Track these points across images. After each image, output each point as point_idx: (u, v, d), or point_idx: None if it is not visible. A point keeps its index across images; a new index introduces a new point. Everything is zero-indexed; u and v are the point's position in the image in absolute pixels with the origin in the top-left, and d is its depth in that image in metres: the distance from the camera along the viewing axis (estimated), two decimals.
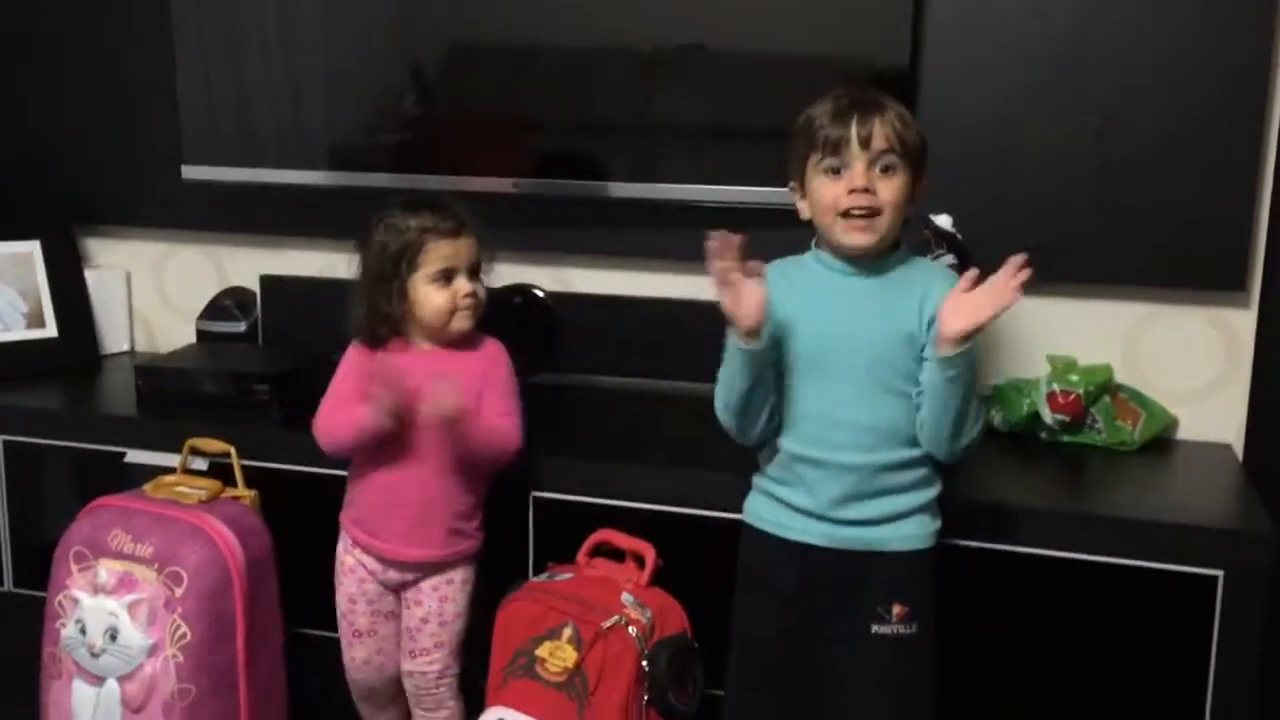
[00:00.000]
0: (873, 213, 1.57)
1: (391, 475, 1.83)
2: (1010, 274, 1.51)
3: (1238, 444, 2.06)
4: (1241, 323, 2.05)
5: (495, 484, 1.91)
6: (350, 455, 1.86)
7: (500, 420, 1.83)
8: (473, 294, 1.83)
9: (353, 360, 1.88)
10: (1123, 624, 1.73)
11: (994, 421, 2.07)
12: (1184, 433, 2.09)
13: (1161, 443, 2.05)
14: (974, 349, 1.54)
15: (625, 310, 2.28)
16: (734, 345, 1.59)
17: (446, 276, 1.81)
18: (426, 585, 1.86)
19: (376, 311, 1.83)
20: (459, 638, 1.89)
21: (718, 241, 1.53)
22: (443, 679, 1.89)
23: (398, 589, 1.89)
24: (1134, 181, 2.02)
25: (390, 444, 1.80)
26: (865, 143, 1.55)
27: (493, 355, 1.89)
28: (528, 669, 1.77)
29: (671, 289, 2.27)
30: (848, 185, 1.56)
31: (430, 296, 1.82)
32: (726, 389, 1.63)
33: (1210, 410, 2.07)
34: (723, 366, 1.64)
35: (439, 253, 1.81)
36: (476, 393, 1.82)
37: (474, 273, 1.84)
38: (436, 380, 1.73)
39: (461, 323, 1.84)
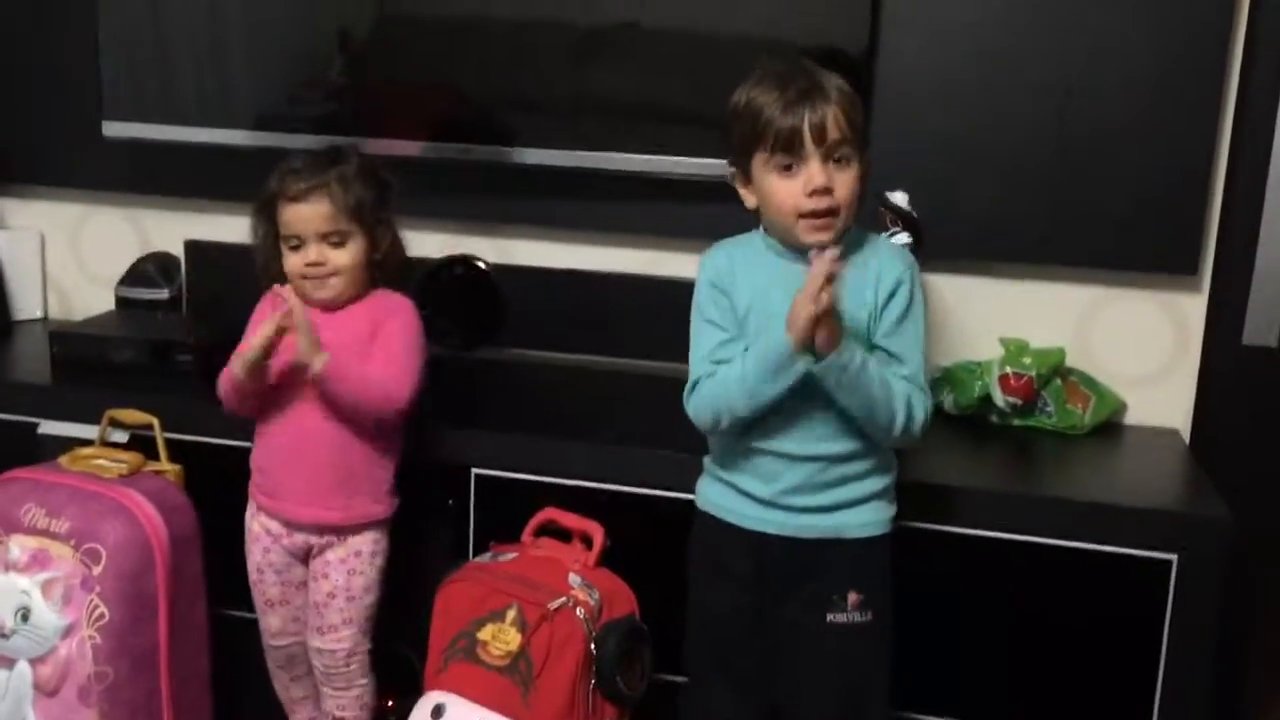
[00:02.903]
0: (831, 211, 1.51)
1: (290, 435, 1.78)
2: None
3: (1184, 429, 2.07)
4: (1192, 307, 2.05)
5: (435, 459, 1.84)
6: (243, 412, 1.80)
7: (379, 373, 1.74)
8: (316, 263, 1.75)
9: (258, 317, 1.83)
10: (1076, 607, 1.72)
11: (944, 404, 2.05)
12: (1132, 417, 2.09)
13: (1110, 427, 2.05)
14: (837, 364, 1.45)
15: (571, 284, 2.21)
16: (789, 363, 1.47)
17: (295, 243, 1.76)
18: (333, 557, 1.80)
19: (263, 263, 1.81)
20: (369, 613, 1.83)
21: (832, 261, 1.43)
22: (353, 657, 1.83)
23: (305, 558, 1.82)
24: (1089, 164, 2.00)
25: (286, 402, 1.76)
26: (819, 136, 1.48)
27: (387, 307, 1.81)
28: (469, 652, 1.70)
29: (619, 263, 2.22)
30: (805, 186, 1.49)
31: (285, 260, 1.78)
32: (748, 400, 1.51)
33: (1158, 395, 2.07)
34: (739, 378, 1.51)
35: (284, 217, 1.76)
36: (365, 345, 1.77)
37: (331, 240, 1.75)
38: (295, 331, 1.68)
39: (313, 293, 1.77)
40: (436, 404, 1.87)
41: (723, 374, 1.54)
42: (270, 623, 1.86)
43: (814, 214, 1.50)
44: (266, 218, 1.79)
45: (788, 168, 1.50)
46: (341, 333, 1.77)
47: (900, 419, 1.51)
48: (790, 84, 1.50)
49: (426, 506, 1.86)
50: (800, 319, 1.44)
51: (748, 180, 1.55)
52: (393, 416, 1.76)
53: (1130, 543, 1.68)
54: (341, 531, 1.79)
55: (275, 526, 1.81)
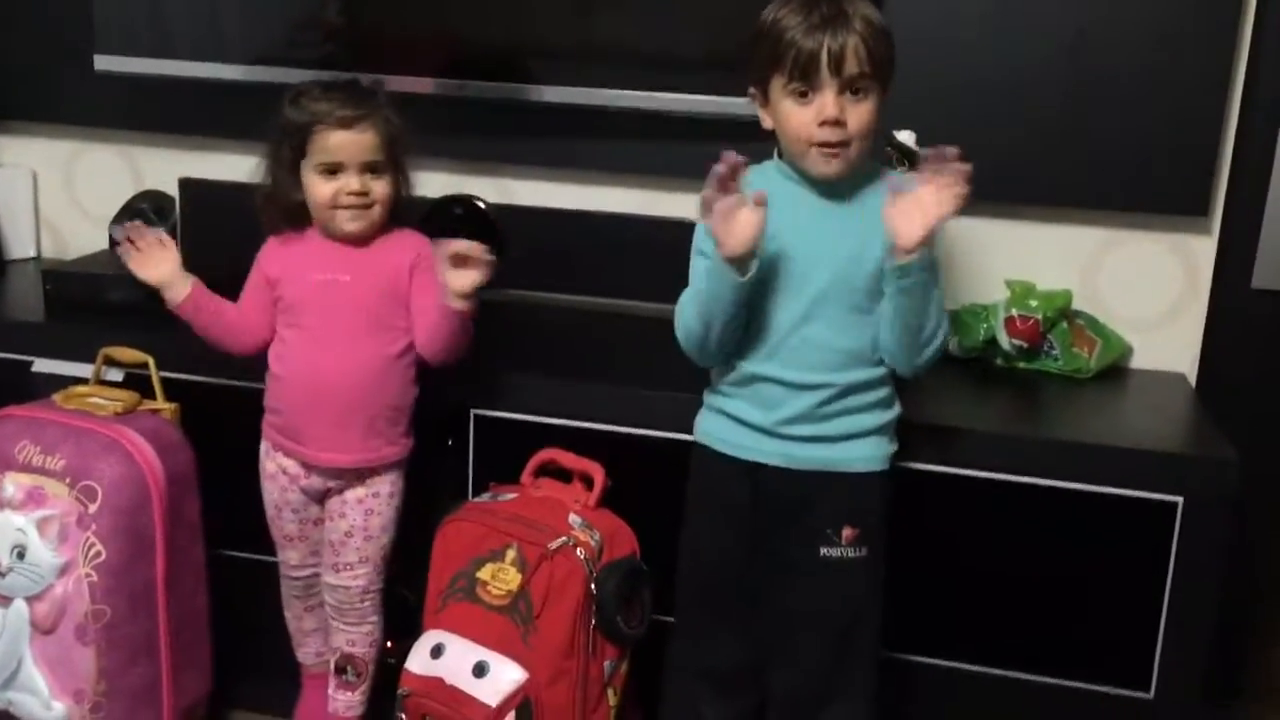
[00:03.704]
0: (843, 144, 1.49)
1: (309, 378, 1.75)
2: (955, 174, 1.45)
3: (1191, 374, 2.04)
4: (1201, 249, 2.02)
5: (434, 400, 1.82)
6: (232, 349, 1.80)
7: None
8: (360, 193, 1.72)
9: (263, 259, 1.81)
10: (1080, 550, 1.71)
11: (949, 346, 2.02)
12: (1138, 361, 2.07)
13: (1116, 371, 2.03)
14: (929, 255, 1.47)
15: (572, 224, 2.18)
16: (721, 275, 1.48)
17: (332, 169, 1.72)
18: (351, 496, 1.79)
19: (275, 193, 1.76)
20: (384, 552, 1.82)
21: (725, 166, 1.44)
22: (367, 594, 1.83)
23: (321, 497, 1.81)
24: (1099, 104, 1.97)
25: (303, 344, 1.75)
26: (837, 67, 1.46)
27: (417, 244, 1.79)
28: (468, 592, 1.69)
29: (621, 203, 2.18)
30: (818, 115, 1.47)
31: (314, 187, 1.73)
32: (700, 319, 1.54)
33: (1165, 339, 2.05)
34: (695, 293, 1.55)
35: (324, 143, 1.71)
36: (406, 284, 1.76)
37: (372, 170, 1.73)
38: (438, 249, 1.67)
39: (346, 224, 1.74)
40: None
41: (683, 297, 1.57)
42: (289, 556, 1.87)
43: (825, 144, 1.48)
44: (295, 145, 1.72)
45: (804, 94, 1.48)
46: (381, 270, 1.75)
47: (941, 334, 1.54)
48: (815, 9, 1.48)
49: (426, 447, 1.84)
50: (931, 225, 1.44)
51: (766, 101, 1.53)
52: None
53: (1135, 485, 1.67)
54: (360, 474, 1.78)
55: (293, 467, 1.79)
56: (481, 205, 2.20)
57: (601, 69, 2.07)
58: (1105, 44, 1.95)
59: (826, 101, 1.47)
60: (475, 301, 1.71)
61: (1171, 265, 2.03)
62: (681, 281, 1.61)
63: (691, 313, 1.55)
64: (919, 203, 1.45)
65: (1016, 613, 1.75)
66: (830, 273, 1.53)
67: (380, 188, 1.74)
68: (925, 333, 1.52)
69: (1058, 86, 1.97)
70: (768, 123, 1.55)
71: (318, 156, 1.71)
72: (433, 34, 2.16)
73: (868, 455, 1.58)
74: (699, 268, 1.57)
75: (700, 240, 1.58)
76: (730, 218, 1.45)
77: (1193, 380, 2.03)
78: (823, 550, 1.57)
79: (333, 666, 1.87)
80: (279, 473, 1.81)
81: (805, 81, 1.47)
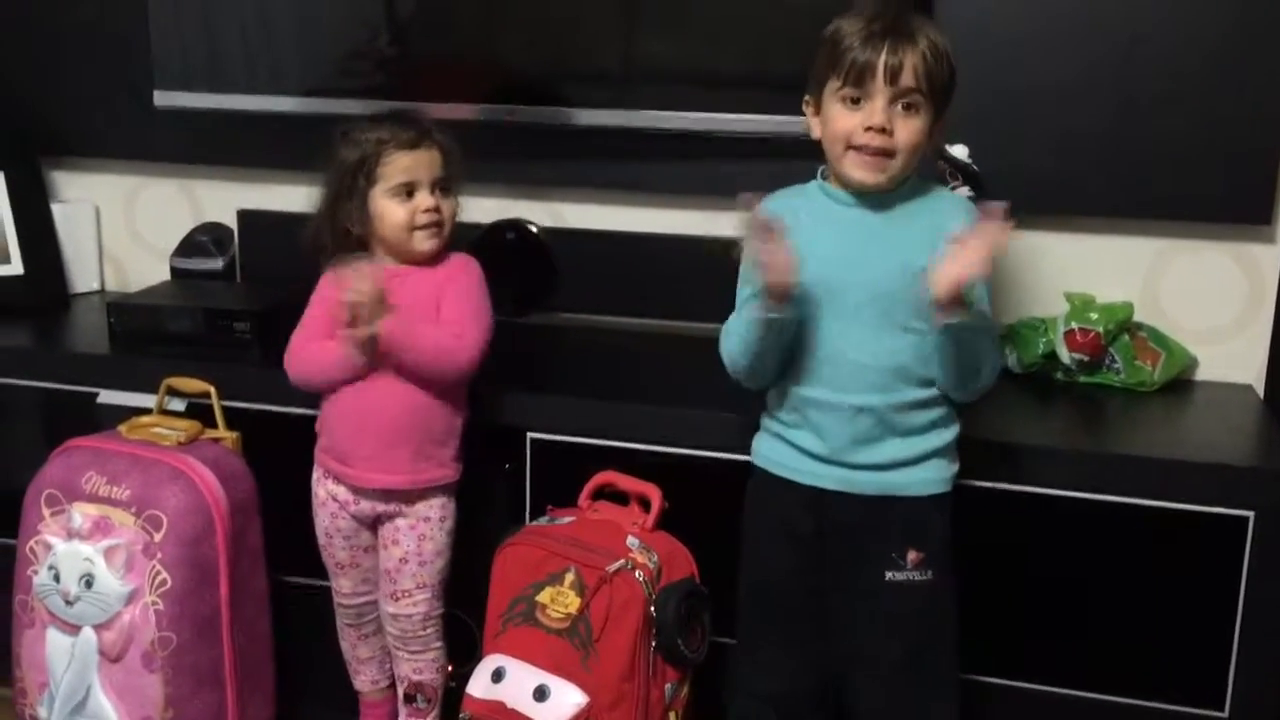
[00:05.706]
0: (886, 153, 1.48)
1: (362, 399, 1.76)
2: (992, 228, 1.40)
3: (1258, 385, 2.00)
4: (1266, 258, 1.98)
5: (490, 424, 1.83)
6: (319, 391, 1.80)
7: (448, 332, 1.74)
8: (434, 209, 1.75)
9: (324, 289, 1.81)
10: (1148, 567, 1.68)
11: (1008, 361, 2.00)
12: (1203, 373, 2.03)
13: (1180, 383, 1.99)
14: (973, 309, 1.44)
15: (623, 247, 2.19)
16: (758, 311, 1.49)
17: (407, 191, 1.74)
18: (403, 524, 1.79)
19: (338, 229, 1.77)
20: (440, 577, 1.83)
21: (758, 215, 1.45)
22: (429, 620, 1.83)
23: (373, 524, 1.82)
24: (1157, 111, 1.94)
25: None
26: (892, 77, 1.45)
27: (456, 266, 1.81)
28: (528, 616, 1.69)
29: (672, 224, 2.18)
30: (865, 120, 1.47)
31: (390, 211, 1.74)
32: (741, 349, 1.55)
33: (1231, 350, 2.01)
34: (736, 322, 1.56)
35: (397, 164, 1.73)
36: (434, 304, 1.76)
37: (441, 188, 1.76)
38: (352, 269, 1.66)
39: (423, 243, 1.76)
40: (491, 369, 1.85)
41: (728, 324, 1.57)
42: (341, 584, 1.87)
43: (864, 148, 1.47)
44: (366, 173, 1.74)
45: (855, 101, 1.48)
46: (416, 290, 1.76)
47: (991, 369, 1.52)
48: (879, 19, 1.48)
49: (483, 471, 1.85)
50: (963, 279, 1.39)
51: (819, 109, 1.54)
52: (456, 378, 1.75)
53: (1204, 500, 1.63)
54: (409, 497, 1.79)
55: (342, 493, 1.80)
56: (533, 230, 2.21)
57: (648, 91, 2.08)
58: (1161, 50, 1.92)
59: (875, 109, 1.47)
60: (370, 350, 1.69)
61: (1235, 274, 1.99)
62: (731, 301, 1.61)
63: (735, 341, 1.56)
64: (959, 256, 1.40)
65: (1085, 632, 1.72)
66: (870, 290, 1.52)
67: (448, 206, 1.77)
68: (977, 372, 1.51)
69: (1114, 94, 1.95)
70: (816, 132, 1.55)
71: (391, 179, 1.73)
72: (481, 61, 2.18)
73: (929, 478, 1.56)
74: (743, 295, 1.57)
75: (744, 268, 1.58)
76: (774, 258, 1.45)
77: (1261, 391, 1.99)
78: (888, 574, 1.55)
79: (401, 696, 1.87)
80: (329, 499, 1.82)
81: (858, 87, 1.47)
